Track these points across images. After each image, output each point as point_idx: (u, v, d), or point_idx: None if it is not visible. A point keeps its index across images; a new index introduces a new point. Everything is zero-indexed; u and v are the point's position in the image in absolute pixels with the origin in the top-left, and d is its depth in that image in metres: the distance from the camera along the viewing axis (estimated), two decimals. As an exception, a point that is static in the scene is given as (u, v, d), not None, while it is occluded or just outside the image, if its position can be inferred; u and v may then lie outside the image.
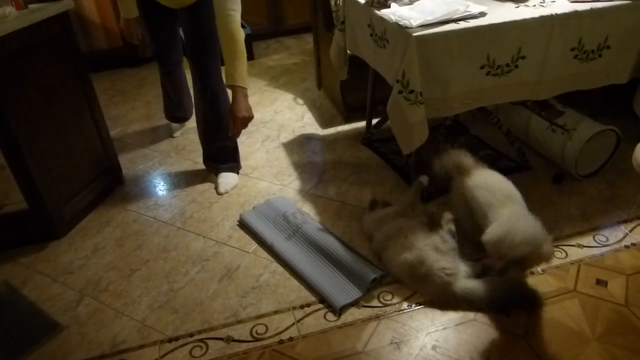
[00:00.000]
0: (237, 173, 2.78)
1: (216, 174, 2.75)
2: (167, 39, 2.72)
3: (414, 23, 2.03)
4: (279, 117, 3.40)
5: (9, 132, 2.07)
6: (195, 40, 2.44)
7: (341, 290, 1.98)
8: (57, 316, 2.00)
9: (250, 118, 2.30)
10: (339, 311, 1.92)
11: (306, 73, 4.04)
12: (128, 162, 2.98)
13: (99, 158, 2.59)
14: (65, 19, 2.27)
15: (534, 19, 2.05)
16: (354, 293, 1.96)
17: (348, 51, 2.75)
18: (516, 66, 2.14)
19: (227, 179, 2.71)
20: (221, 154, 2.72)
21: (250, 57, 4.36)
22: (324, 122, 3.29)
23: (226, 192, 2.66)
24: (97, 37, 4.12)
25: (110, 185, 2.72)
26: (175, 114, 3.16)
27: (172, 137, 3.24)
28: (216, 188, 2.69)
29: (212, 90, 2.51)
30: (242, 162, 2.87)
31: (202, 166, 2.88)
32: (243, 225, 2.41)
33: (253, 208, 2.49)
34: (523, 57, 2.12)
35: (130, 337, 1.89)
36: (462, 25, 2.03)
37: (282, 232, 2.29)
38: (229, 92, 2.36)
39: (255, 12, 4.60)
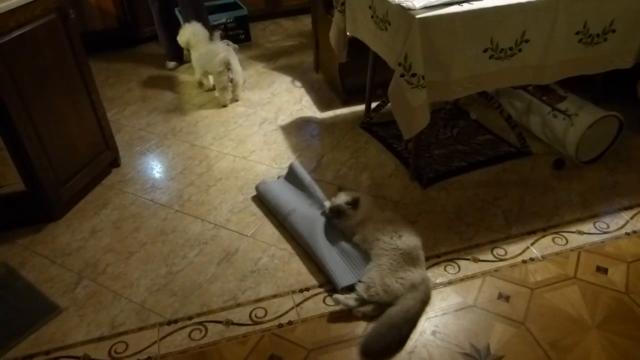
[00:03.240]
0: None
1: None
2: None
3: (417, 5, 1.99)
4: (276, 100, 3.36)
5: (6, 113, 2.03)
6: None
7: (346, 270, 1.97)
8: (56, 298, 1.99)
9: None
10: (339, 291, 1.91)
11: (304, 55, 4.00)
12: (125, 144, 2.95)
13: (96, 140, 2.56)
14: (61, -2, 2.22)
15: (539, 2, 2.01)
16: (357, 276, 1.94)
17: (348, 33, 2.71)
18: (520, 50, 2.11)
19: None
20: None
21: (247, 38, 4.31)
22: (322, 105, 3.26)
23: None
24: (93, 18, 4.05)
25: (107, 167, 2.69)
26: (176, 54, 3.86)
27: (168, 69, 3.89)
28: None
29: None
30: (240, 145, 2.89)
31: (199, 148, 2.88)
32: (260, 191, 2.43)
33: (278, 178, 2.54)
34: (527, 41, 2.09)
35: (129, 319, 1.89)
36: (466, 7, 2.00)
37: (307, 199, 2.31)
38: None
39: (252, -8, 4.53)
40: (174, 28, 3.75)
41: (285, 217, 2.23)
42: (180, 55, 3.91)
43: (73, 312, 1.93)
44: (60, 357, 1.77)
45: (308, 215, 2.21)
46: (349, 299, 1.86)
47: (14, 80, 2.04)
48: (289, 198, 2.30)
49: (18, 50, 2.05)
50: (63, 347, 1.80)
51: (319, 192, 2.35)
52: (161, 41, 3.88)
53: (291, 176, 2.49)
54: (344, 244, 2.08)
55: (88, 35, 3.98)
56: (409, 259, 1.88)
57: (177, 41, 3.76)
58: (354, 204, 2.09)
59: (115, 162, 2.74)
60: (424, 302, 1.83)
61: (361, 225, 2.07)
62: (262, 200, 2.41)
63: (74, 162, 2.42)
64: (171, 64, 3.88)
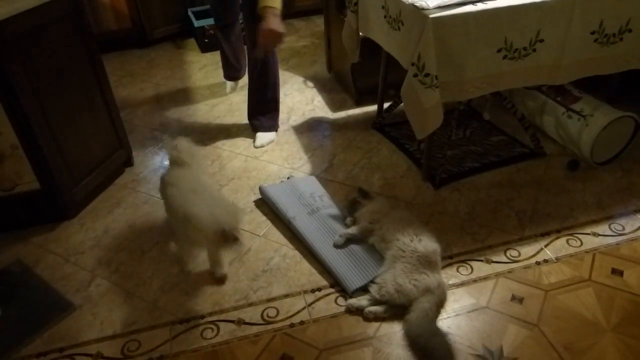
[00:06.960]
0: (275, 131, 2.98)
1: (255, 131, 2.95)
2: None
3: (431, 4, 1.98)
4: (288, 100, 3.37)
5: (22, 112, 2.06)
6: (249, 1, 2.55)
7: (355, 273, 1.96)
8: (70, 296, 2.01)
9: (280, 34, 2.35)
10: (350, 295, 1.91)
11: (316, 56, 4.00)
12: (137, 144, 2.96)
13: (110, 139, 2.57)
14: (77, -2, 2.24)
15: (554, 1, 2.00)
16: (367, 277, 1.94)
17: (360, 33, 2.70)
18: (534, 50, 2.10)
19: (263, 136, 2.91)
20: (261, 105, 2.91)
21: (260, 39, 4.31)
22: (334, 106, 3.26)
23: (261, 146, 2.87)
24: (106, 18, 4.08)
25: (121, 166, 2.71)
26: (232, 73, 3.39)
27: (226, 94, 3.48)
28: (253, 142, 2.90)
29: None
30: (252, 145, 2.89)
31: (211, 148, 2.88)
32: (263, 195, 2.42)
33: (281, 182, 2.50)
34: (541, 41, 2.07)
35: (142, 318, 1.90)
36: (479, 6, 1.99)
37: (305, 207, 2.29)
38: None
39: (265, -7, 4.53)
40: (236, 48, 3.26)
41: (289, 221, 2.23)
42: (236, 76, 3.42)
43: (86, 310, 1.95)
44: (74, 355, 1.79)
45: (309, 223, 2.21)
46: (362, 300, 1.85)
47: (30, 80, 2.06)
48: (287, 205, 2.30)
49: (33, 50, 2.07)
50: (77, 345, 1.82)
51: (327, 201, 2.36)
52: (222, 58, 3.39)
53: (288, 184, 2.46)
54: (352, 246, 2.08)
55: (102, 36, 4.02)
56: (426, 262, 1.86)
57: (233, 58, 3.28)
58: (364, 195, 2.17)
59: (128, 162, 2.76)
60: (440, 305, 1.82)
61: (378, 224, 2.06)
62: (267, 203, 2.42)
63: (87, 161, 2.44)
64: (229, 86, 3.47)
